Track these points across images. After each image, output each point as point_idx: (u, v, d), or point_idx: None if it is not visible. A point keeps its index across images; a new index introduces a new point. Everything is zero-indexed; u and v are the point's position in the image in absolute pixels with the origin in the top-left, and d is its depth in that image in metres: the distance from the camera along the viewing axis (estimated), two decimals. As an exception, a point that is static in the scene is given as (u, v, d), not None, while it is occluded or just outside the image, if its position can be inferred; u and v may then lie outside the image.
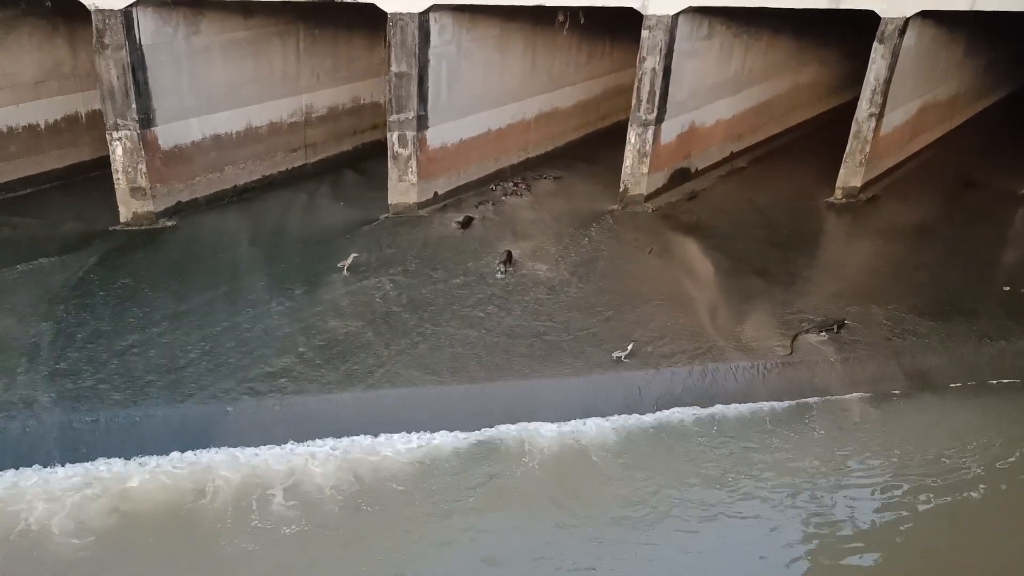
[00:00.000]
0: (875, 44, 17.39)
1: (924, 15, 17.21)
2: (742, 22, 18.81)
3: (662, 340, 13.65)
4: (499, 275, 15.07)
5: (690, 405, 12.93)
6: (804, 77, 23.42)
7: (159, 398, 11.85)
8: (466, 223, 17.05)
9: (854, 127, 18.38)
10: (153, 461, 11.30)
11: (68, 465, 11.13)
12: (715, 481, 11.62)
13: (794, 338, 13.94)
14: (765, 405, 13.11)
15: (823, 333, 14.05)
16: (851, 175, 18.84)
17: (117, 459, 11.26)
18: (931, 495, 11.55)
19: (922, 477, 11.82)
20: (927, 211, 18.97)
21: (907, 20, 17.02)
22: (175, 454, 11.41)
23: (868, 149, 18.43)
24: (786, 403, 13.18)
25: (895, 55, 17.42)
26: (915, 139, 21.08)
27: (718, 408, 12.98)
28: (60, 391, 11.81)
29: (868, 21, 17.15)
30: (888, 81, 17.71)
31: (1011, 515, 11.39)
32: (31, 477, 10.96)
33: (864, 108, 18.10)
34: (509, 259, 15.43)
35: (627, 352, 13.12)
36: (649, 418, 12.69)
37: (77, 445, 11.30)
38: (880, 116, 18.16)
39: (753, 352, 13.57)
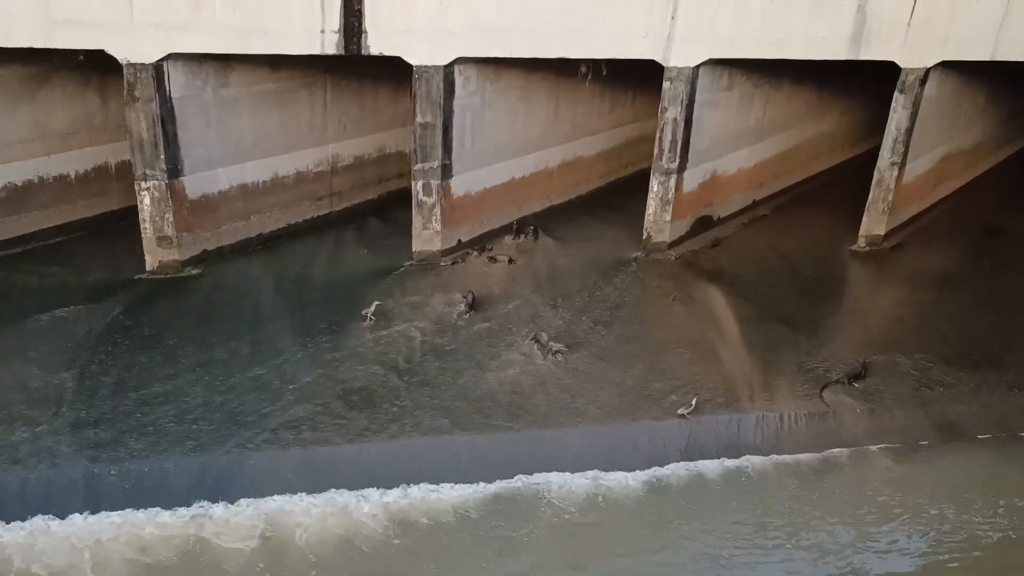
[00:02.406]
0: (896, 94, 17.48)
1: (945, 65, 17.30)
2: (762, 73, 18.95)
3: (686, 390, 13.56)
4: (549, 355, 14.34)
5: (716, 457, 12.80)
6: (826, 126, 23.50)
7: (181, 449, 11.84)
8: (471, 304, 15.69)
9: (876, 175, 18.40)
10: (176, 512, 11.25)
11: (89, 515, 11.10)
12: (740, 534, 11.45)
13: (822, 389, 13.82)
14: (790, 457, 12.96)
15: (854, 383, 13.92)
16: (874, 223, 18.83)
17: (138, 510, 11.22)
18: (960, 551, 11.34)
19: (952, 531, 11.62)
20: (952, 259, 18.87)
21: (928, 70, 17.11)
22: (198, 505, 11.38)
23: (891, 197, 18.44)
24: (812, 455, 13.03)
25: (916, 104, 17.49)
26: (938, 187, 21.04)
27: (744, 460, 12.84)
28: (82, 441, 11.83)
29: (889, 71, 17.25)
30: (910, 130, 17.77)
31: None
32: (53, 527, 10.94)
33: (886, 157, 18.14)
34: (537, 339, 14.73)
35: (691, 408, 13.03)
36: (673, 469, 12.56)
37: (98, 496, 11.29)
38: (902, 165, 18.19)
39: (779, 403, 13.45)
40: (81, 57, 16.42)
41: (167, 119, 15.55)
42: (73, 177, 17.79)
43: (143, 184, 15.91)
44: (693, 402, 13.05)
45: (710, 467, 12.61)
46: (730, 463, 12.71)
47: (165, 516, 11.19)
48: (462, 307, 15.58)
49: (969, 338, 15.49)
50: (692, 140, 17.72)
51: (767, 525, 11.64)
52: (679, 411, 13.02)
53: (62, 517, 11.06)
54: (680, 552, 11.15)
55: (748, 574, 10.95)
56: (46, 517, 11.03)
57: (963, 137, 21.30)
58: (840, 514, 11.89)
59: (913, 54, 16.82)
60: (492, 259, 17.65)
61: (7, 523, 10.94)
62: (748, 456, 12.86)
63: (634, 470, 12.46)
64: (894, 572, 11.00)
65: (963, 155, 21.81)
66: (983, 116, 21.97)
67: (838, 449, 13.11)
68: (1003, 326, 16.03)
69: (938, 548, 11.37)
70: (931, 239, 19.71)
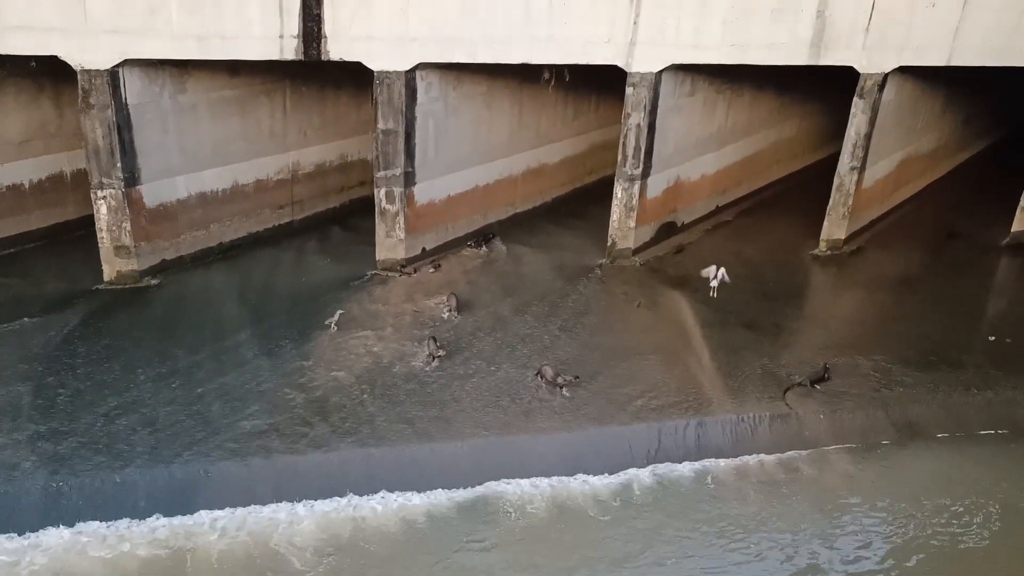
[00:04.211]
0: (855, 99, 17.69)
1: (902, 71, 17.53)
2: (725, 79, 19.08)
3: (652, 394, 13.57)
4: (557, 390, 13.49)
5: (680, 460, 12.81)
6: (787, 132, 23.72)
7: (142, 461, 11.60)
8: (438, 348, 14.19)
9: (836, 180, 18.59)
10: (136, 525, 11.04)
11: (48, 529, 10.85)
12: (707, 536, 11.47)
13: (786, 391, 13.90)
14: (754, 458, 13.02)
15: (815, 385, 14.02)
16: (835, 227, 19.01)
17: (99, 523, 11.00)
18: (922, 547, 11.44)
19: (911, 527, 11.74)
20: (911, 262, 19.11)
21: (886, 76, 17.33)
22: (158, 518, 11.16)
23: (851, 202, 18.64)
24: (775, 456, 13.09)
25: (875, 110, 17.70)
26: (897, 191, 21.32)
27: (708, 462, 12.86)
28: (40, 454, 11.55)
29: (848, 77, 17.45)
30: (869, 135, 17.98)
31: (1004, 567, 11.28)
32: (12, 542, 10.68)
33: (846, 162, 18.34)
34: (543, 376, 13.68)
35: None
36: (639, 473, 12.55)
37: (58, 509, 11.02)
38: (862, 169, 18.39)
39: (743, 406, 13.49)
40: (34, 63, 16.13)
41: (123, 126, 15.31)
42: (27, 186, 17.46)
43: (99, 193, 15.63)
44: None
45: (675, 470, 12.61)
46: (695, 466, 12.73)
47: (126, 529, 10.98)
48: (428, 355, 14.09)
49: (928, 339, 15.66)
50: (656, 146, 17.78)
51: (731, 527, 11.65)
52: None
53: (19, 533, 10.83)
54: (643, 558, 11.11)
55: (717, 564, 10.99)
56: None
57: (921, 142, 21.61)
58: (803, 514, 11.94)
59: (871, 60, 17.02)
60: (450, 307, 15.75)
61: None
62: (712, 459, 12.89)
63: (601, 475, 12.43)
64: (855, 570, 11.04)
65: (921, 159, 22.13)
66: (940, 121, 22.31)
67: (801, 450, 13.17)
68: (960, 327, 16.25)
69: (898, 544, 11.45)
70: (890, 243, 19.95)
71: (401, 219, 17.10)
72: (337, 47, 15.42)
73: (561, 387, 13.52)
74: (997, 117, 27.39)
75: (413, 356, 14.33)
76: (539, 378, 13.77)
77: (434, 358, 14.07)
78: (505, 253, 18.86)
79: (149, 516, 11.18)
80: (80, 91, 14.89)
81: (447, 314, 15.52)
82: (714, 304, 16.54)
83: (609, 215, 18.27)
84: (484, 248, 18.81)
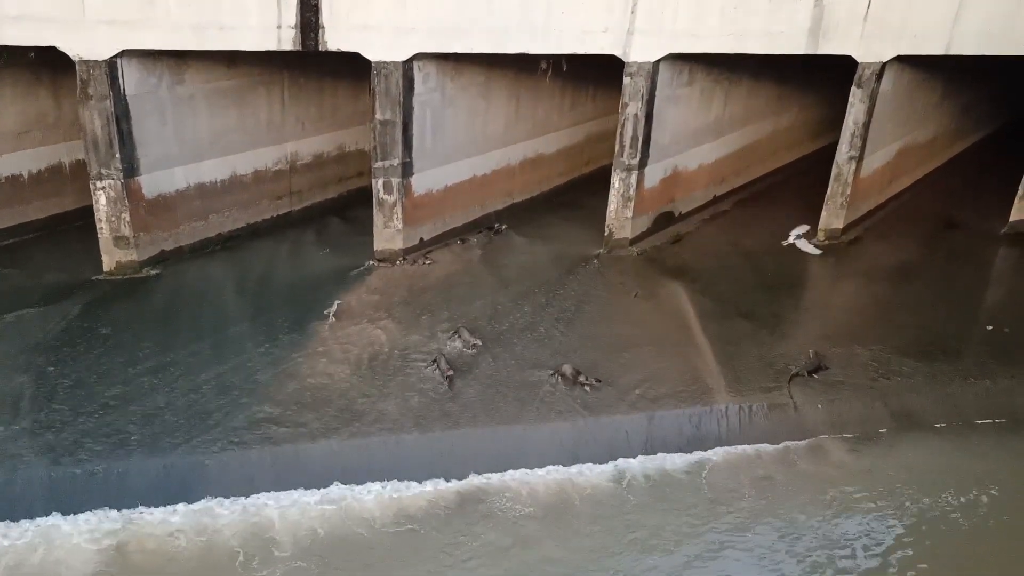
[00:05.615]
0: (853, 88, 17.68)
1: (900, 59, 17.53)
2: (722, 68, 19.06)
3: (649, 384, 13.62)
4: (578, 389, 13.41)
5: (678, 451, 12.86)
6: (785, 121, 23.72)
7: (142, 450, 11.66)
8: (448, 368, 13.66)
9: (834, 170, 18.60)
10: (135, 514, 11.09)
11: (48, 518, 10.90)
12: (703, 528, 11.52)
13: (789, 380, 13.93)
14: (752, 448, 13.06)
15: (813, 375, 14.06)
16: (833, 217, 19.03)
17: (100, 512, 11.05)
18: (918, 536, 11.50)
19: (909, 518, 11.79)
20: (909, 252, 19.13)
21: (884, 65, 17.32)
22: (158, 507, 11.23)
23: (849, 192, 18.65)
24: (773, 445, 13.14)
25: (873, 99, 17.70)
26: (895, 181, 21.33)
27: (706, 452, 12.90)
28: (41, 444, 11.60)
29: (846, 66, 17.44)
30: (867, 125, 17.97)
31: (1000, 557, 11.33)
32: (16, 530, 10.77)
33: (844, 151, 18.34)
34: (561, 375, 13.66)
35: None
36: (635, 464, 12.59)
37: (59, 498, 11.09)
38: (860, 159, 18.40)
39: (740, 396, 13.54)
40: (32, 54, 16.12)
41: (122, 117, 15.31)
42: (26, 177, 17.47)
43: (98, 184, 15.64)
44: None
45: (672, 460, 12.67)
46: (692, 456, 12.78)
47: (125, 517, 11.03)
48: (441, 374, 13.58)
49: (926, 329, 15.70)
50: (653, 136, 17.77)
51: (728, 517, 11.70)
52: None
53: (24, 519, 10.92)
54: (639, 550, 11.16)
55: (710, 569, 10.99)
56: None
57: (919, 131, 21.62)
58: (800, 504, 11.98)
59: (870, 48, 17.01)
60: (466, 344, 14.54)
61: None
62: (710, 449, 12.94)
63: (598, 464, 12.48)
64: (851, 560, 11.10)
65: (919, 149, 22.14)
66: (938, 110, 22.32)
67: (798, 440, 13.22)
68: (958, 317, 16.29)
69: (893, 533, 11.51)
70: (888, 233, 19.97)
71: (399, 209, 17.11)
72: (335, 37, 15.41)
73: (584, 385, 13.49)
74: (996, 106, 27.40)
75: (412, 347, 14.38)
76: (557, 376, 13.64)
77: (445, 376, 13.56)
78: (512, 236, 19.09)
79: (149, 505, 11.23)
80: (78, 82, 14.88)
81: (467, 349, 14.43)
82: (712, 294, 16.58)
83: (606, 205, 18.29)
84: (494, 235, 19.09)
